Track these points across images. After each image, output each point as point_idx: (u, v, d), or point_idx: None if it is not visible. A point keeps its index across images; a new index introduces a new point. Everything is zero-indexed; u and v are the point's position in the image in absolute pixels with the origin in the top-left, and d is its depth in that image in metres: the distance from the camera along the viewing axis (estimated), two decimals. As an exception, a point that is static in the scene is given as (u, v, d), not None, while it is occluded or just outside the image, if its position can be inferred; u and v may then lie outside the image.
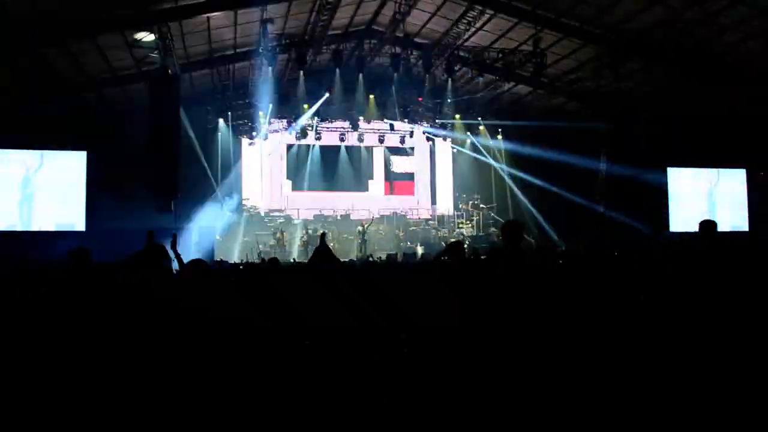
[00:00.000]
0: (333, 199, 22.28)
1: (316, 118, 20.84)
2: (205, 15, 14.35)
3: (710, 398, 3.63)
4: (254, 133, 21.05)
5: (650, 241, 15.31)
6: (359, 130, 22.08)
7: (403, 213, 22.62)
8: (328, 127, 21.96)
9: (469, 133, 22.61)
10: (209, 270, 4.71)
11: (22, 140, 15.32)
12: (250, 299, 4.68)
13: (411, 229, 21.71)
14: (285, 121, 21.22)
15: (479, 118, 21.77)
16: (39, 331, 4.22)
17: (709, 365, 3.95)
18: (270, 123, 20.76)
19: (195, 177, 18.03)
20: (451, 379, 3.97)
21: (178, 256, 5.50)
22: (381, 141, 22.75)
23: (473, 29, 16.35)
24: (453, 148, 23.91)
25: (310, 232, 19.65)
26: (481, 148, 22.56)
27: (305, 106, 20.01)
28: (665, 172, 18.85)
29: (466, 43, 17.45)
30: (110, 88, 16.96)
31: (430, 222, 22.67)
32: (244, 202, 21.03)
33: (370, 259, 14.95)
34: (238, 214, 20.23)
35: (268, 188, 22.25)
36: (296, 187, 22.41)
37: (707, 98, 16.75)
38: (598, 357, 4.22)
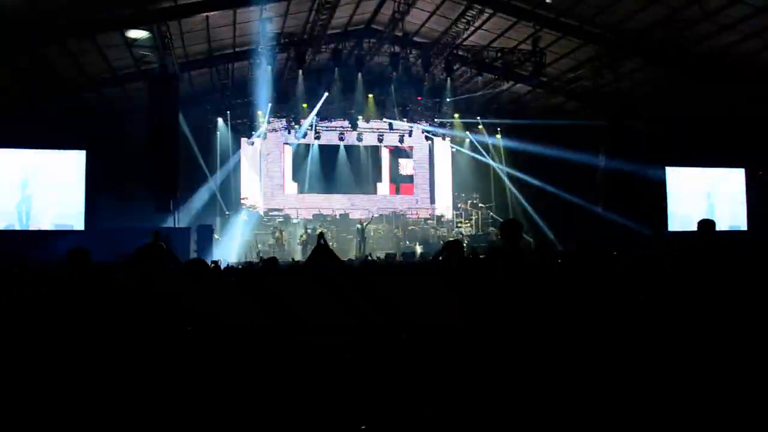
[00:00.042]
0: (342, 201, 22.37)
1: (315, 117, 20.84)
2: (204, 14, 14.35)
3: (709, 397, 3.64)
4: (253, 132, 21.04)
5: (652, 241, 15.35)
6: (358, 129, 22.09)
7: (402, 212, 22.63)
8: (327, 127, 21.95)
9: (468, 132, 22.61)
10: (208, 270, 4.72)
11: (21, 140, 15.31)
12: (249, 298, 4.69)
13: (410, 228, 21.71)
14: (284, 120, 21.23)
15: (478, 118, 21.77)
16: (38, 330, 4.22)
17: (708, 364, 3.96)
18: (269, 122, 20.76)
19: (194, 176, 18.04)
20: (450, 379, 3.97)
21: (170, 253, 5.50)
22: (380, 140, 22.75)
23: (472, 28, 16.34)
24: (452, 147, 23.91)
25: (309, 231, 19.64)
26: (479, 147, 22.57)
27: (304, 105, 20.02)
28: (664, 171, 18.86)
29: (465, 42, 17.45)
30: (109, 87, 16.97)
31: (429, 221, 22.66)
32: (243, 202, 21.03)
33: (369, 258, 14.95)
34: (237, 213, 20.24)
35: (267, 187, 22.24)
36: (303, 189, 22.42)
37: (706, 98, 16.77)
38: (597, 356, 4.23)
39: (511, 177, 21.61)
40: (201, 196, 18.68)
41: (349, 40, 18.46)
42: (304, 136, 21.61)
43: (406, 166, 23.83)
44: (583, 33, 15.84)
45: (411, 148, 23.65)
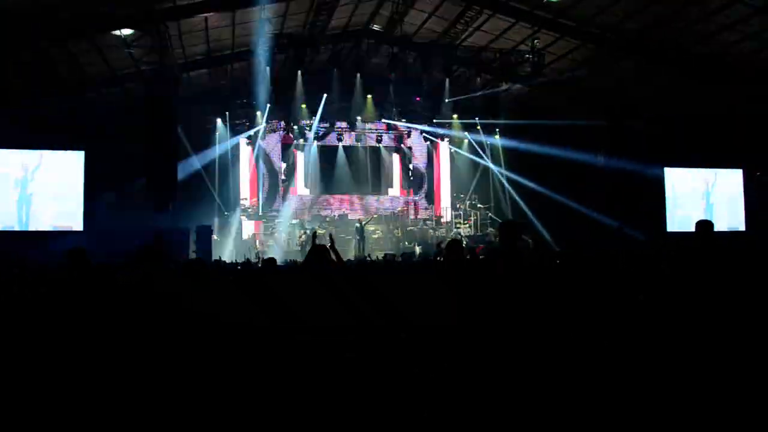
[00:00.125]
0: (341, 202, 22.40)
1: (313, 118, 20.86)
2: (203, 15, 14.36)
3: (708, 397, 3.66)
4: (252, 133, 21.05)
5: (646, 244, 15.37)
6: (357, 130, 22.12)
7: (401, 213, 22.65)
8: (325, 128, 21.97)
9: (466, 132, 22.63)
10: (208, 269, 4.72)
11: (20, 140, 15.31)
12: (248, 298, 4.70)
13: (409, 229, 21.73)
14: (282, 121, 21.24)
15: (477, 118, 21.79)
16: (38, 330, 4.23)
17: (707, 364, 3.98)
18: (268, 123, 20.78)
19: (193, 177, 18.04)
20: (450, 379, 3.99)
21: (160, 253, 5.49)
22: (379, 141, 22.78)
23: (471, 29, 16.37)
24: (451, 148, 23.93)
25: (308, 231, 19.64)
26: (478, 148, 22.59)
27: (303, 106, 20.05)
28: (663, 171, 18.89)
29: (463, 43, 17.48)
30: (108, 87, 16.96)
31: (428, 222, 22.67)
32: (241, 202, 21.03)
33: (368, 258, 14.97)
34: (236, 213, 20.25)
35: (265, 188, 22.22)
36: (302, 190, 22.42)
37: (705, 98, 16.80)
38: (597, 355, 4.25)
39: (509, 179, 21.63)
40: (200, 197, 18.68)
41: (348, 42, 18.48)
42: (316, 137, 21.67)
43: (404, 167, 23.83)
44: (581, 33, 15.87)
45: (410, 149, 23.66)
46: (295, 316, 4.40)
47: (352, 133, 22.25)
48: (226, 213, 19.71)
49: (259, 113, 19.91)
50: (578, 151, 18.10)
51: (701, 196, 19.14)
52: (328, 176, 22.52)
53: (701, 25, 14.12)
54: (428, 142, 23.83)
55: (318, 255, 5.10)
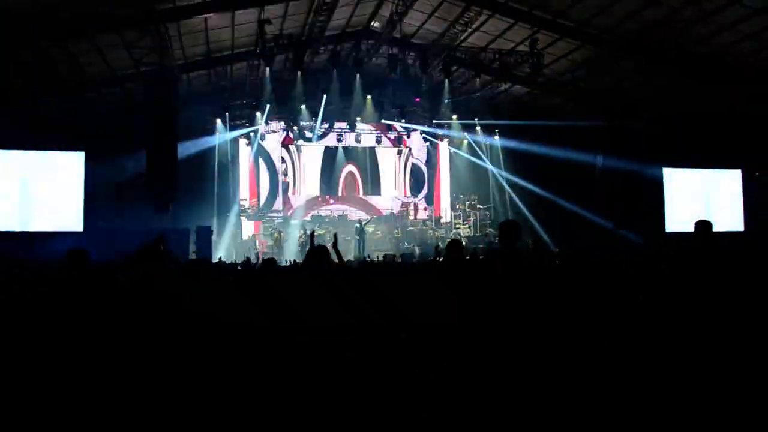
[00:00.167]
0: (341, 202, 22.43)
1: (313, 118, 20.89)
2: (203, 16, 14.37)
3: (708, 397, 3.67)
4: (252, 134, 21.06)
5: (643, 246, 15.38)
6: (356, 130, 22.15)
7: (401, 213, 22.68)
8: (325, 128, 22.00)
9: (466, 133, 22.65)
10: (210, 270, 4.72)
11: (20, 141, 15.31)
12: (248, 298, 4.70)
13: (408, 229, 21.76)
14: (282, 121, 21.27)
15: (476, 119, 21.82)
16: (38, 331, 4.23)
17: (707, 364, 3.99)
18: (267, 123, 20.80)
19: (193, 177, 18.05)
20: (450, 379, 4.00)
21: (167, 254, 5.49)
22: (378, 142, 22.81)
23: (470, 30, 16.38)
24: (450, 149, 23.96)
25: (307, 232, 19.67)
26: (477, 148, 22.62)
27: (302, 106, 20.08)
28: (662, 172, 18.90)
29: (463, 44, 17.49)
30: (109, 88, 16.97)
31: (428, 222, 22.71)
32: (241, 203, 21.05)
33: (368, 259, 14.98)
34: (236, 214, 20.26)
35: (265, 189, 22.24)
36: (302, 190, 22.44)
37: (704, 98, 16.82)
38: (597, 355, 4.26)
39: (508, 181, 21.66)
40: (200, 197, 18.69)
41: (347, 42, 18.50)
42: (320, 137, 21.71)
43: (404, 168, 23.85)
44: (580, 34, 15.89)
45: (409, 149, 23.69)
46: (295, 316, 4.40)
47: (352, 133, 22.27)
48: (226, 214, 19.72)
49: (258, 114, 19.93)
50: (577, 151, 18.11)
51: (700, 197, 19.14)
52: (328, 177, 22.55)
53: (700, 26, 14.14)
54: (428, 143, 23.87)
55: (317, 256, 5.09)
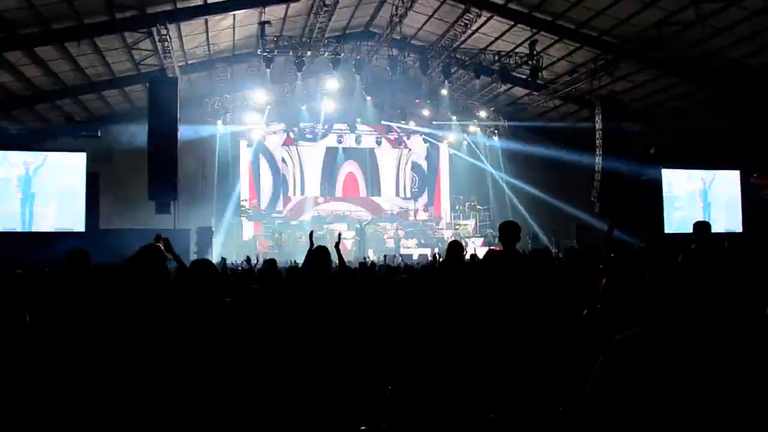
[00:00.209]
0: (341, 203, 22.47)
1: (313, 119, 20.94)
2: (203, 17, 14.39)
3: (707, 397, 3.68)
4: (252, 135, 21.09)
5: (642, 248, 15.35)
6: (356, 131, 22.19)
7: (401, 214, 22.71)
8: (326, 129, 22.05)
9: (465, 134, 22.69)
10: (215, 271, 4.72)
11: (22, 141, 15.33)
12: (248, 299, 4.72)
13: (409, 230, 21.79)
14: (282, 123, 21.31)
15: (476, 120, 21.84)
16: (38, 331, 4.25)
17: (707, 364, 4.00)
18: (268, 125, 20.83)
19: (194, 178, 18.08)
20: (450, 379, 4.02)
21: (176, 257, 5.50)
22: (378, 143, 22.85)
23: (470, 32, 16.41)
24: (450, 149, 24.00)
25: (307, 232, 19.68)
26: (477, 149, 22.66)
27: (303, 107, 20.11)
28: (660, 173, 18.90)
29: (462, 46, 17.52)
30: (109, 90, 17.00)
31: (428, 223, 22.74)
32: (242, 204, 21.08)
33: (367, 259, 14.98)
34: (237, 215, 20.29)
35: (266, 189, 22.28)
36: (302, 191, 22.47)
37: (702, 100, 16.84)
38: (597, 355, 4.27)
39: (507, 182, 21.69)
40: (201, 198, 18.72)
41: (347, 43, 18.52)
42: (316, 139, 21.74)
43: (404, 169, 23.90)
44: (579, 36, 15.92)
45: (409, 150, 23.72)
46: (296, 316, 4.42)
47: (352, 134, 22.30)
48: (226, 214, 19.76)
49: (259, 115, 19.96)
50: (576, 153, 18.13)
51: (699, 198, 19.15)
52: (328, 177, 22.58)
53: (699, 27, 14.17)
54: (428, 144, 23.90)
55: (317, 256, 5.10)
